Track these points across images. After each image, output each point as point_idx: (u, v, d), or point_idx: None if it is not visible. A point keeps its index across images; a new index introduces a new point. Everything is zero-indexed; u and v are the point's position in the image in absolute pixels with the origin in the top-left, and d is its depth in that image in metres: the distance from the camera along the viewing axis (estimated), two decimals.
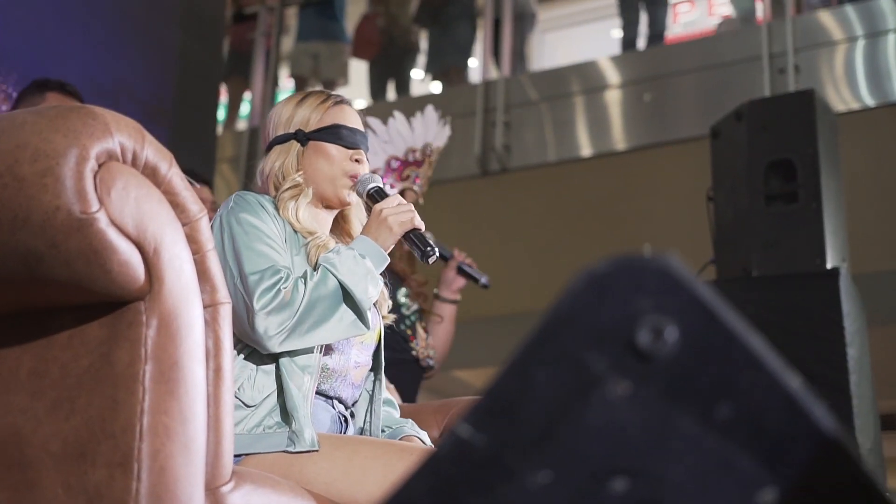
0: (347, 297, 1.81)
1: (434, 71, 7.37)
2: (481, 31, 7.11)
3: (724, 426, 0.63)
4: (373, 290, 1.86)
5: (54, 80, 3.17)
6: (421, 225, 1.96)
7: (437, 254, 1.96)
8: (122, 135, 1.20)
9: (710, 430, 0.63)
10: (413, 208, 1.96)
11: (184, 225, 1.27)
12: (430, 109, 3.68)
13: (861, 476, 0.61)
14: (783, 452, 0.62)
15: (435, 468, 0.68)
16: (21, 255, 1.15)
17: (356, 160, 2.03)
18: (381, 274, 1.91)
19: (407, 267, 3.37)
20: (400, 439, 1.93)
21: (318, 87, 7.61)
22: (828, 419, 0.62)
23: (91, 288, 1.18)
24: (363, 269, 1.84)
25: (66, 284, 1.17)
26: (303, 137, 2.01)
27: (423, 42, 7.69)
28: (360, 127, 2.09)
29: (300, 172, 1.98)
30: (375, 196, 2.00)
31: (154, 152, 1.24)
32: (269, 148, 2.04)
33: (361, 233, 1.95)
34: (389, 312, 2.07)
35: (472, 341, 7.30)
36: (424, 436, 2.00)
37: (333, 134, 2.02)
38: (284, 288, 1.76)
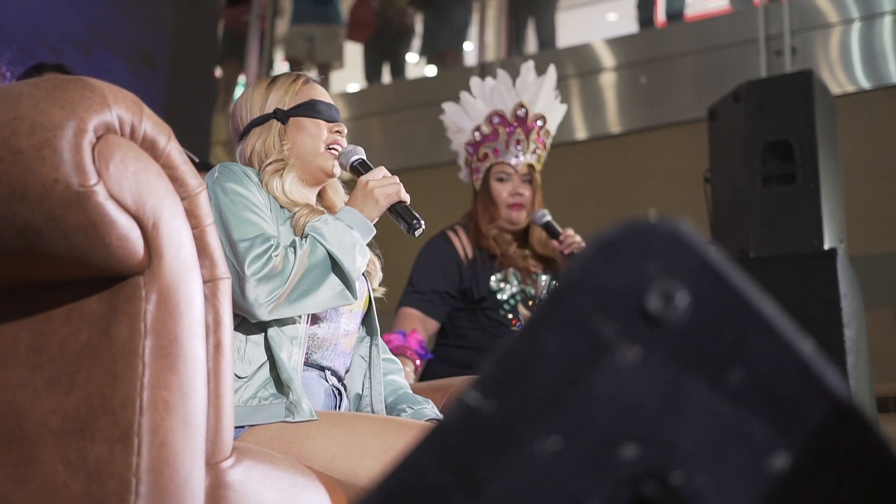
0: (336, 267, 1.83)
1: (428, 54, 7.34)
2: (477, 14, 7.07)
3: (735, 391, 0.62)
4: (360, 261, 1.87)
5: (50, 62, 3.17)
6: (406, 197, 1.97)
7: (423, 226, 1.96)
8: (120, 107, 1.18)
9: (721, 396, 0.62)
10: (398, 181, 1.97)
11: (183, 199, 1.26)
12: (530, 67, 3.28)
13: (875, 441, 0.61)
14: (796, 417, 0.61)
15: (443, 436, 0.67)
16: (19, 229, 1.14)
17: (337, 131, 2.05)
18: (368, 245, 1.92)
19: (508, 247, 3.16)
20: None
21: (314, 71, 7.59)
22: (841, 384, 0.62)
23: (89, 262, 1.17)
24: (351, 239, 1.85)
25: (64, 258, 1.16)
26: (282, 116, 2.04)
27: (419, 24, 7.66)
28: (332, 102, 2.12)
29: (286, 146, 1.99)
30: (359, 168, 2.02)
31: (152, 125, 1.23)
32: (246, 132, 2.05)
33: (347, 203, 1.95)
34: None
35: None
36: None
37: (312, 109, 2.05)
38: (275, 255, 1.77)
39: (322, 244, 1.82)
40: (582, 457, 0.64)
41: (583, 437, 0.64)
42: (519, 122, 3.17)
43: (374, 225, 1.94)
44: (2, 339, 1.23)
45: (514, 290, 3.07)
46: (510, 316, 3.06)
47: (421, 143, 6.62)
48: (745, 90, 3.53)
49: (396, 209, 1.96)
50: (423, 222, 1.95)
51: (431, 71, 7.50)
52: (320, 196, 2.11)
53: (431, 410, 1.99)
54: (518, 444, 0.65)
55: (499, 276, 3.10)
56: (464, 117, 3.28)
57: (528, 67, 3.20)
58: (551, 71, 3.24)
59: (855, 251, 3.72)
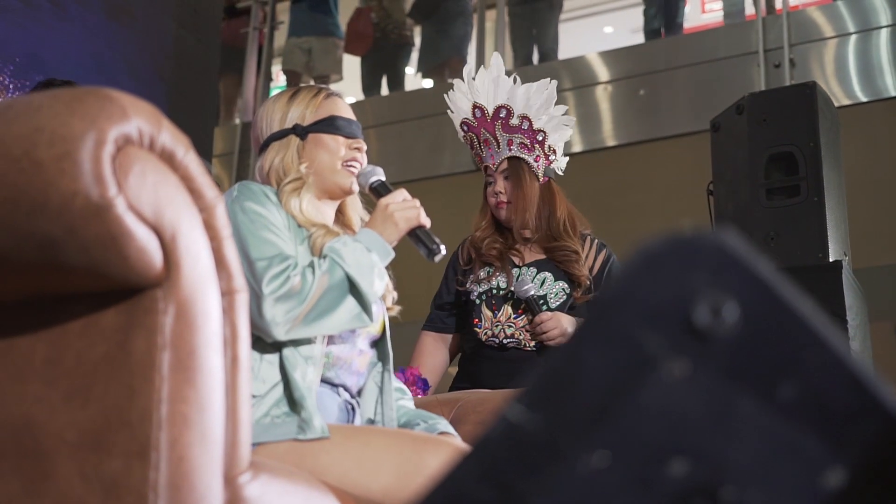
0: (353, 289, 1.81)
1: (426, 68, 7.33)
2: (477, 26, 7.07)
3: (787, 406, 0.61)
4: (378, 284, 1.86)
5: (59, 79, 3.16)
6: (427, 222, 1.94)
7: (443, 251, 1.94)
8: (139, 118, 1.17)
9: (772, 411, 0.61)
10: (418, 204, 1.95)
11: (200, 211, 1.25)
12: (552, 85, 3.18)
13: None
14: (850, 432, 0.60)
15: (485, 451, 0.66)
16: (37, 242, 1.12)
17: (355, 148, 2.03)
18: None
19: (488, 245, 3.08)
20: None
21: (311, 83, 7.59)
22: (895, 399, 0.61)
23: (108, 274, 1.16)
24: (369, 262, 1.84)
25: (82, 271, 1.15)
26: (301, 131, 2.01)
27: (417, 37, 7.67)
28: (354, 117, 2.10)
29: (304, 164, 1.97)
30: (379, 190, 2.00)
31: (171, 137, 1.22)
32: (265, 146, 2.03)
33: (366, 225, 1.93)
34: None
35: None
36: (456, 434, 1.98)
37: (331, 125, 2.02)
38: (294, 275, 1.75)
39: (341, 266, 1.81)
40: (629, 473, 0.63)
41: (630, 452, 0.63)
42: (480, 123, 3.09)
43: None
44: (18, 352, 1.22)
45: (481, 289, 2.99)
46: (473, 316, 2.98)
47: (419, 156, 6.62)
48: (748, 102, 3.53)
49: (416, 234, 1.94)
50: (443, 248, 1.93)
51: (429, 83, 7.50)
52: (339, 211, 2.09)
53: (444, 426, 1.97)
54: (563, 459, 0.64)
55: (472, 276, 3.04)
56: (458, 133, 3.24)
57: (480, 72, 3.13)
58: (496, 61, 3.12)
59: (858, 263, 3.72)
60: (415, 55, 7.80)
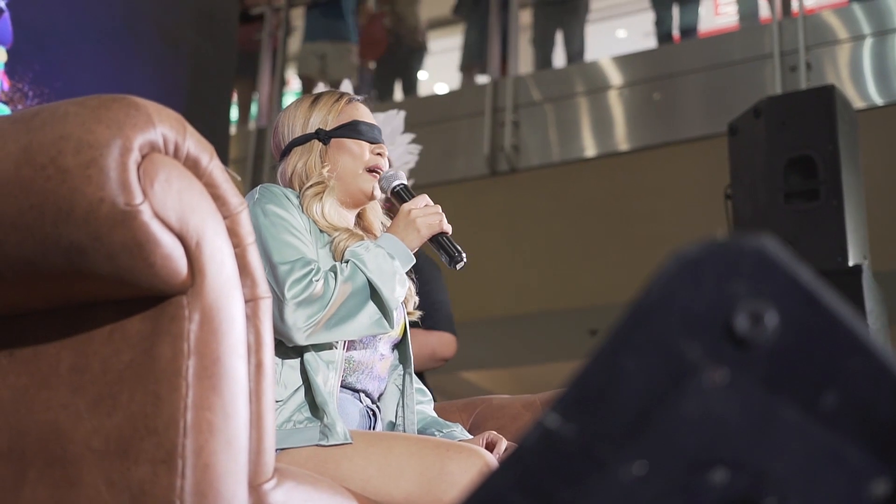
0: (375, 295, 1.80)
1: (464, 66, 7.31)
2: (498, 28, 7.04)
3: (830, 416, 0.60)
4: (400, 290, 1.85)
5: None
6: (448, 228, 1.93)
7: (465, 259, 1.92)
8: (164, 126, 1.17)
9: (815, 420, 0.61)
10: (440, 210, 1.94)
11: (224, 218, 1.25)
12: (399, 116, 3.34)
13: None
14: (894, 443, 0.59)
15: (522, 460, 0.65)
16: (63, 249, 1.13)
17: (378, 153, 2.03)
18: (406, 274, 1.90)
19: None
20: None
21: (326, 88, 7.60)
22: None
23: (133, 282, 1.16)
24: (391, 268, 1.83)
25: (108, 278, 1.15)
26: (324, 136, 2.01)
27: (431, 43, 7.67)
28: (376, 122, 2.09)
29: (326, 168, 1.97)
30: (402, 194, 1.99)
31: (195, 144, 1.22)
32: (287, 151, 2.03)
33: (388, 230, 1.93)
34: None
35: (479, 342, 7.28)
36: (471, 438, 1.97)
37: (354, 130, 2.02)
38: (316, 280, 1.75)
39: (363, 271, 1.80)
40: (668, 482, 0.63)
41: (669, 461, 0.63)
42: None
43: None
44: (44, 359, 1.22)
45: None
46: None
47: (433, 161, 6.61)
48: (766, 105, 3.51)
49: (439, 240, 1.93)
50: (465, 255, 1.92)
51: (443, 88, 7.50)
52: (359, 216, 2.09)
53: (461, 433, 1.97)
54: (601, 468, 0.64)
55: None
56: None
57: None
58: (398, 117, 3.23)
59: (878, 266, 3.70)
60: (428, 60, 7.80)
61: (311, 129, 2.02)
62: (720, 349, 0.63)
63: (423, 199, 1.95)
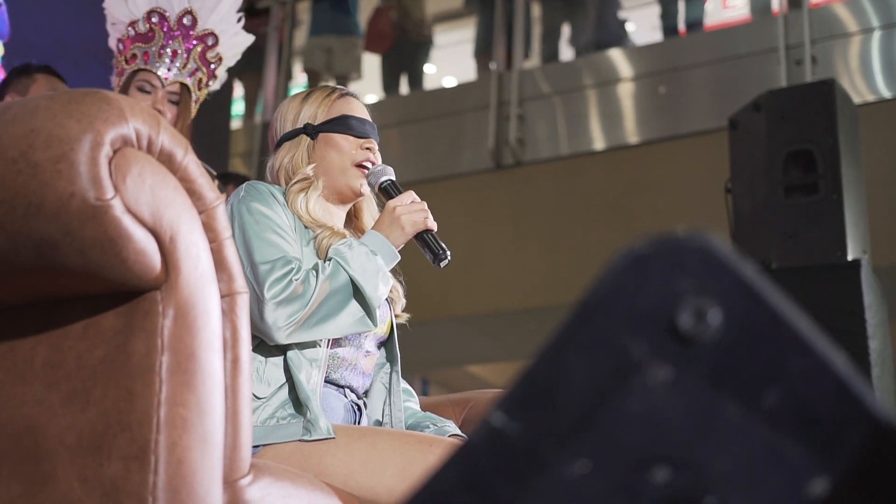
0: (357, 294, 1.80)
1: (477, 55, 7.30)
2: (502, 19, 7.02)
3: (771, 413, 0.60)
4: (383, 288, 1.85)
5: (36, 64, 3.09)
6: (433, 226, 1.92)
7: (449, 257, 1.91)
8: (136, 120, 1.17)
9: (756, 418, 0.60)
10: (426, 207, 1.92)
11: (200, 213, 1.25)
12: None
13: None
14: (834, 441, 0.59)
15: (467, 458, 0.65)
16: (35, 243, 1.12)
17: (367, 148, 2.01)
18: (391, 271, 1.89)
19: None
20: None
21: (332, 82, 7.60)
22: (881, 406, 0.59)
23: (106, 277, 1.16)
24: (374, 266, 1.82)
25: (80, 273, 1.15)
26: (312, 131, 2.00)
27: (438, 36, 7.65)
28: (369, 117, 2.07)
29: (311, 165, 1.96)
30: (389, 190, 1.97)
31: (169, 138, 1.22)
32: (278, 146, 2.03)
33: (374, 227, 1.92)
34: None
35: (485, 336, 7.28)
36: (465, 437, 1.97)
37: (342, 124, 2.01)
38: (296, 279, 1.74)
39: (345, 269, 1.79)
40: (611, 480, 0.62)
41: (612, 459, 0.62)
42: (182, 31, 2.62)
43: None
44: (18, 354, 1.22)
45: None
46: None
47: (439, 154, 6.61)
48: (766, 99, 3.50)
49: (423, 237, 1.91)
50: (449, 253, 1.91)
51: (450, 82, 7.49)
52: (351, 213, 2.08)
53: (453, 428, 1.96)
54: (545, 466, 0.63)
55: None
56: (122, 8, 2.67)
57: None
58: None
59: (877, 261, 3.68)
60: (434, 53, 7.79)
61: (300, 124, 2.01)
62: (665, 346, 0.62)
63: (410, 196, 1.93)
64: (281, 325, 1.72)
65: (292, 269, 1.75)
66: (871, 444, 0.58)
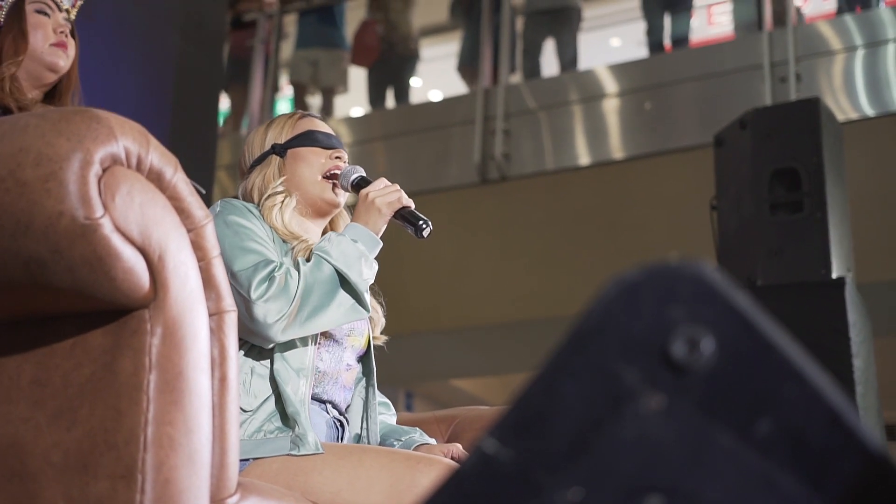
0: (344, 282, 1.82)
1: (461, 68, 7.31)
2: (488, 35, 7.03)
3: (764, 442, 0.60)
4: (367, 272, 1.87)
5: None
6: (409, 203, 1.95)
7: (430, 226, 1.93)
8: (126, 139, 1.17)
9: (749, 447, 0.60)
10: (399, 188, 1.95)
11: (189, 231, 1.25)
12: None
13: None
14: (827, 470, 0.59)
15: (459, 484, 0.65)
16: (23, 262, 1.12)
17: (336, 158, 2.04)
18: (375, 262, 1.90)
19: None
20: (414, 449, 1.91)
21: (318, 95, 7.60)
22: (873, 435, 0.59)
23: (94, 295, 1.15)
24: (356, 251, 1.85)
25: (68, 291, 1.14)
26: (280, 149, 2.04)
27: (424, 50, 7.66)
28: (333, 132, 2.11)
29: (283, 179, 1.98)
30: (360, 185, 2.00)
31: (159, 157, 1.22)
32: (249, 171, 2.06)
33: (352, 219, 1.95)
34: None
35: (470, 349, 7.28)
36: (434, 443, 1.98)
37: (309, 138, 2.04)
38: (278, 275, 1.75)
39: (327, 260, 1.82)
40: None
41: (604, 487, 0.62)
42: None
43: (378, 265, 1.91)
44: (4, 372, 1.21)
45: None
46: None
47: (425, 168, 6.62)
48: (752, 117, 3.52)
49: (402, 214, 1.93)
50: (430, 223, 1.92)
51: (436, 95, 7.50)
52: (329, 227, 2.10)
53: (420, 437, 1.98)
54: (537, 494, 0.63)
55: None
56: None
57: None
58: None
59: (861, 278, 3.70)
60: (420, 67, 7.79)
61: (267, 147, 2.05)
62: (657, 375, 0.62)
63: (381, 182, 1.96)
64: (272, 320, 1.73)
65: (274, 267, 1.77)
66: (863, 473, 0.59)
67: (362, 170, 2.04)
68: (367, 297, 1.87)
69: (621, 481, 0.62)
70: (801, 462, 0.59)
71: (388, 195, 1.92)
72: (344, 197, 2.05)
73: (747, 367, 0.61)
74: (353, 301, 1.83)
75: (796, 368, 0.60)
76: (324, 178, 2.01)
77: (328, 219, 2.08)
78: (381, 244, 1.92)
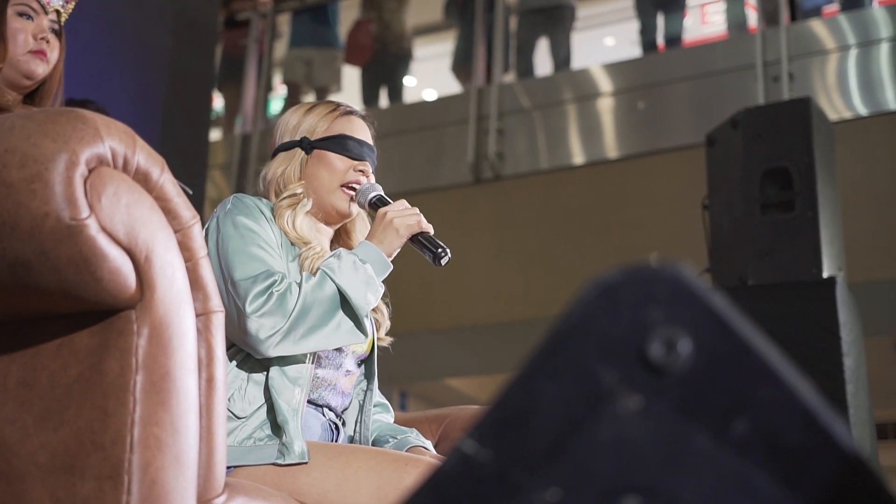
0: (345, 304, 1.78)
1: (455, 68, 7.30)
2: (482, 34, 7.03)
3: (740, 443, 0.60)
4: (372, 298, 1.82)
5: (79, 98, 3.00)
6: (429, 228, 1.90)
7: (449, 254, 1.89)
8: (112, 139, 1.17)
9: (725, 447, 0.61)
10: (418, 211, 1.90)
11: (176, 231, 1.25)
12: None
13: (884, 496, 0.59)
14: (803, 471, 0.59)
15: (438, 485, 0.65)
16: (8, 263, 1.12)
17: (360, 170, 1.98)
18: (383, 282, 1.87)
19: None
20: (406, 450, 1.89)
21: (311, 94, 7.59)
22: (848, 436, 0.60)
23: (81, 296, 1.15)
24: (363, 275, 1.80)
25: (55, 292, 1.14)
26: (307, 146, 1.97)
27: (418, 49, 7.65)
28: (369, 140, 2.04)
29: (301, 182, 1.94)
30: (378, 205, 1.94)
31: (145, 157, 1.22)
32: (275, 154, 2.01)
33: (367, 237, 1.90)
34: None
35: (464, 349, 7.28)
36: (429, 445, 1.95)
37: (339, 144, 1.97)
38: (277, 291, 1.72)
39: (332, 279, 1.77)
40: None
41: (582, 488, 0.63)
42: None
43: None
44: None
45: None
46: None
47: (419, 167, 6.62)
48: (744, 117, 3.52)
49: (419, 239, 1.89)
50: (448, 251, 1.88)
51: (430, 95, 7.49)
52: (342, 232, 2.06)
53: (416, 438, 1.95)
54: (515, 494, 0.64)
55: None
56: None
57: None
58: None
59: (853, 278, 3.71)
60: (414, 66, 7.79)
61: (298, 136, 1.99)
62: (635, 376, 0.63)
63: (401, 203, 1.91)
64: (264, 336, 1.70)
65: (274, 281, 1.73)
66: (838, 473, 0.59)
67: (381, 188, 1.99)
68: (368, 323, 1.84)
69: (599, 482, 0.62)
70: (777, 462, 0.60)
71: (407, 217, 1.87)
72: (357, 211, 2.01)
73: (724, 368, 0.61)
74: (352, 324, 1.79)
75: (772, 370, 0.60)
76: (342, 187, 1.96)
77: (338, 226, 2.04)
78: (392, 268, 1.87)
